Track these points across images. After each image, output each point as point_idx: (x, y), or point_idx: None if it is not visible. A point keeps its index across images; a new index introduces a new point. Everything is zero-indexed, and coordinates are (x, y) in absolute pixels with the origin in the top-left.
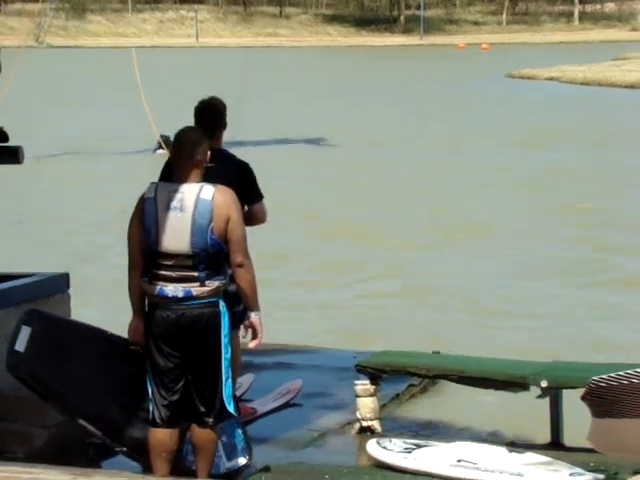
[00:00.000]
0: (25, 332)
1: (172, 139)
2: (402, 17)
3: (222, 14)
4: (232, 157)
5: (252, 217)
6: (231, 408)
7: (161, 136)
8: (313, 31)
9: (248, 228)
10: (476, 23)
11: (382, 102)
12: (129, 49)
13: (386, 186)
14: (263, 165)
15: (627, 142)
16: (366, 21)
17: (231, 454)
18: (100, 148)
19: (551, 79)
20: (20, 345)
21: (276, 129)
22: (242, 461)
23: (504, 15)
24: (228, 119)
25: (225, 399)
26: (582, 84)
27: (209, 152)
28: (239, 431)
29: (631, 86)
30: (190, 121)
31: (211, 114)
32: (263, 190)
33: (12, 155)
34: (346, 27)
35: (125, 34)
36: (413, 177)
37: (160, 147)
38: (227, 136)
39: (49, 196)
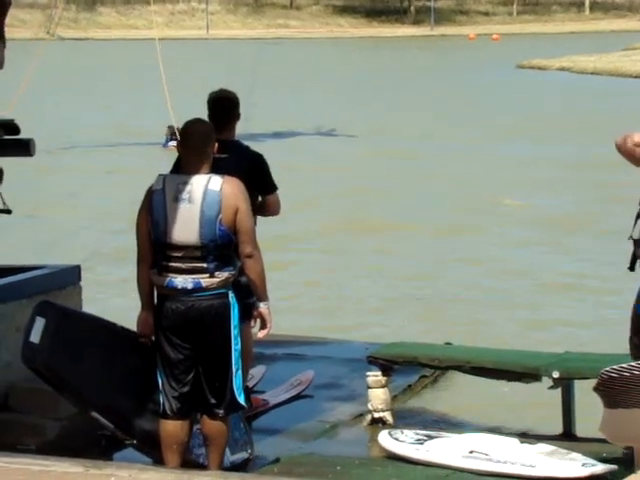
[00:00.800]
0: (39, 323)
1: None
2: (412, 8)
3: (232, 6)
4: (246, 149)
5: (266, 208)
6: (241, 399)
7: (169, 127)
8: (324, 22)
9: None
10: (487, 14)
11: (394, 94)
12: (139, 41)
13: (402, 175)
14: (274, 157)
15: None
16: (377, 12)
17: (234, 448)
18: (114, 140)
19: (562, 69)
20: (35, 336)
21: (286, 121)
22: (245, 455)
23: (515, 5)
24: (240, 111)
25: (235, 390)
26: (593, 74)
27: (222, 144)
28: (241, 425)
29: None
30: (201, 113)
31: (225, 105)
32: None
33: (24, 148)
34: (357, 18)
35: (136, 26)
36: (428, 167)
37: (172, 139)
38: (239, 128)
39: (61, 188)
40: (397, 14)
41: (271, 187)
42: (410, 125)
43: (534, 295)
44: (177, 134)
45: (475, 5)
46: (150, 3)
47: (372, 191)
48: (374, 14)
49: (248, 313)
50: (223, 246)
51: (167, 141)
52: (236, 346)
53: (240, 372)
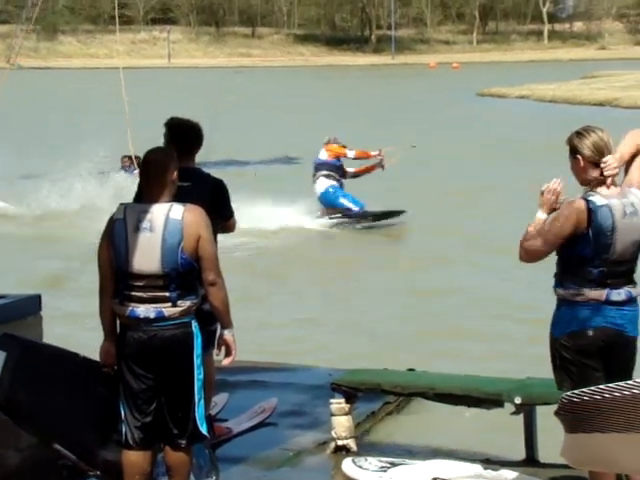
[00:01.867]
0: (0, 357)
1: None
2: (373, 37)
3: (194, 35)
4: (208, 176)
5: (223, 230)
6: (204, 429)
7: (125, 157)
8: (285, 51)
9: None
10: (447, 42)
11: (355, 122)
12: (100, 70)
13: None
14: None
15: None
16: (338, 41)
17: (199, 475)
18: (72, 169)
19: (521, 97)
20: None
21: (249, 149)
22: None
23: (474, 34)
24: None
25: (198, 420)
26: (551, 102)
27: (183, 171)
28: (205, 452)
29: (600, 104)
30: (160, 141)
31: (186, 133)
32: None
33: None
34: (318, 47)
35: (97, 55)
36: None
37: (135, 167)
38: (200, 156)
39: None
40: (358, 43)
41: (230, 212)
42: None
43: (495, 322)
44: (134, 162)
45: (435, 34)
46: (112, 32)
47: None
48: (335, 43)
49: (210, 340)
50: (185, 274)
51: (132, 170)
52: (199, 375)
53: (203, 402)
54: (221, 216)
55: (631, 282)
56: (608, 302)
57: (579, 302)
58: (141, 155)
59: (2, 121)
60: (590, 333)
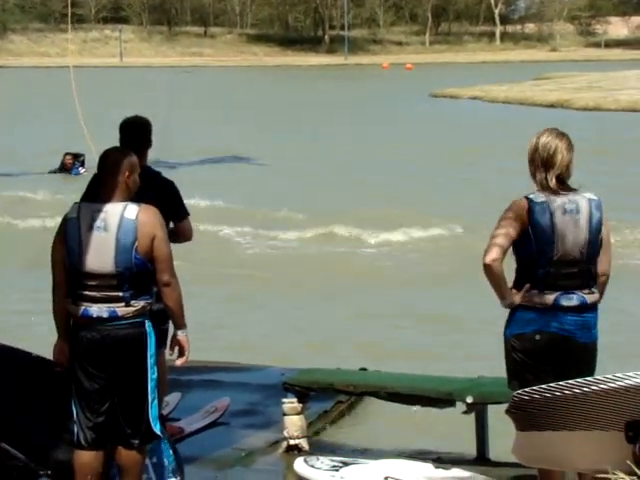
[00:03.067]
0: None
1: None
2: (327, 37)
3: (146, 34)
4: (157, 175)
5: (179, 234)
6: (157, 429)
7: (67, 154)
8: (238, 50)
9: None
10: (400, 43)
11: (307, 123)
12: (51, 69)
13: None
14: (188, 184)
15: None
16: (291, 41)
17: (162, 475)
18: (19, 169)
19: (474, 98)
20: None
21: (200, 148)
22: None
23: (427, 35)
24: (154, 139)
25: (151, 420)
26: (504, 103)
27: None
28: (170, 452)
29: (551, 105)
30: (116, 141)
31: (137, 131)
32: (189, 208)
33: None
34: (271, 47)
35: (48, 54)
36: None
37: (82, 165)
38: (153, 156)
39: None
40: (311, 43)
41: (183, 213)
42: (321, 153)
43: (447, 321)
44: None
45: (388, 35)
46: (63, 31)
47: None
48: (288, 43)
49: (163, 339)
50: (139, 274)
51: (76, 168)
52: (152, 375)
53: (156, 402)
54: (173, 217)
55: (586, 287)
56: (557, 307)
57: (528, 305)
58: (85, 154)
59: None
60: (537, 337)
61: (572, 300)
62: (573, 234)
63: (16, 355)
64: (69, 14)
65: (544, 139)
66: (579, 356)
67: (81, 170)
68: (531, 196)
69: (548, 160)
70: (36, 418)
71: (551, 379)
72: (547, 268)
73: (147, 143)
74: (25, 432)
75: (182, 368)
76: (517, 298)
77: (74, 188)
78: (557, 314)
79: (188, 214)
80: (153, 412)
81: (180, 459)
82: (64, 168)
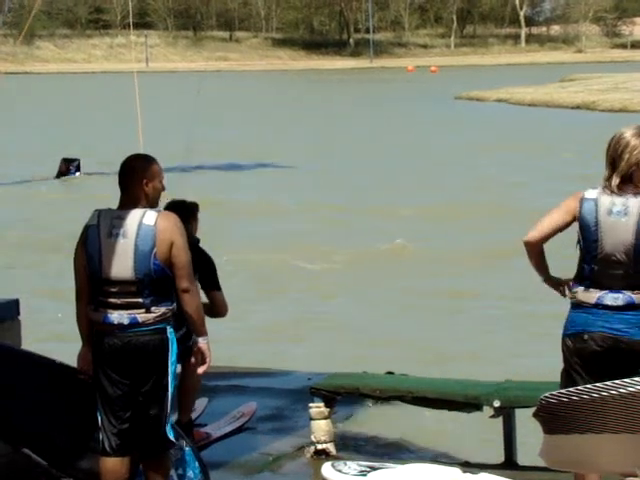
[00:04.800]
0: None
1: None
2: (351, 40)
3: (172, 39)
4: (201, 251)
5: (213, 308)
6: (171, 436)
7: (63, 160)
8: (263, 55)
9: None
10: (425, 46)
11: (335, 126)
12: (77, 74)
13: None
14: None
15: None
16: (316, 44)
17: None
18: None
19: (499, 101)
20: None
21: (228, 152)
22: None
23: (452, 38)
24: (183, 144)
25: (166, 428)
26: (530, 105)
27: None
28: (195, 464)
29: (577, 107)
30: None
31: (183, 210)
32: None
33: None
34: (296, 50)
35: (74, 60)
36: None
37: (77, 170)
38: (181, 160)
39: None
40: (336, 46)
41: (216, 286)
42: (346, 156)
43: (475, 325)
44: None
45: (413, 38)
46: (89, 37)
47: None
48: (313, 47)
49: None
50: (159, 281)
51: (72, 173)
52: (172, 382)
53: (169, 406)
54: (207, 287)
55: (634, 288)
56: (603, 306)
57: (577, 305)
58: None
59: None
60: (585, 337)
61: (618, 300)
62: (617, 236)
63: (40, 362)
64: (130, 19)
65: (622, 135)
66: (628, 355)
67: (77, 174)
68: (586, 191)
69: (615, 158)
70: (61, 426)
71: (600, 380)
72: (592, 265)
73: (190, 219)
74: (48, 439)
75: (209, 373)
76: (566, 292)
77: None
78: (603, 313)
79: (219, 289)
80: (169, 419)
81: (206, 470)
82: (61, 173)
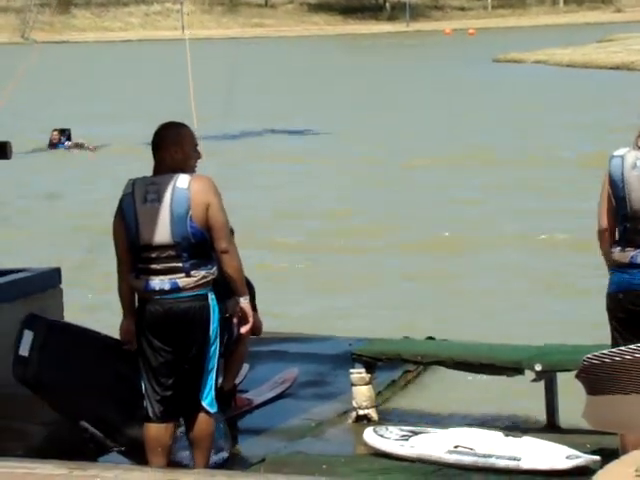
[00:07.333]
0: (28, 337)
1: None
2: (388, 4)
3: (207, 5)
4: None
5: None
6: (212, 409)
7: (55, 130)
8: (299, 20)
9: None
10: (462, 9)
11: (373, 92)
12: (116, 43)
13: (386, 177)
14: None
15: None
16: (352, 9)
17: (216, 449)
18: (95, 141)
19: (538, 62)
20: (24, 350)
21: (267, 120)
22: (225, 454)
23: (489, 0)
24: (220, 111)
25: (205, 392)
26: (569, 66)
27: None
28: (221, 425)
29: (616, 67)
30: (177, 117)
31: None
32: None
33: (0, 151)
34: (332, 15)
35: (111, 28)
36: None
37: (68, 139)
38: (218, 128)
39: (38, 190)
40: (372, 11)
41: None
42: (389, 124)
43: (514, 289)
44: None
45: (450, 0)
46: (125, 5)
47: (351, 190)
48: (349, 11)
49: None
50: (197, 244)
51: (63, 143)
52: (214, 349)
53: (213, 374)
54: None
55: None
56: (636, 265)
57: (614, 265)
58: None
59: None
60: (620, 296)
61: None
62: None
63: (87, 335)
64: None
65: None
66: None
67: (67, 144)
68: (616, 150)
69: None
70: (108, 396)
71: (630, 340)
72: (625, 224)
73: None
74: (99, 410)
75: (249, 339)
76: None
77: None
78: (637, 272)
79: (256, 310)
80: (209, 385)
81: (229, 433)
82: (52, 144)
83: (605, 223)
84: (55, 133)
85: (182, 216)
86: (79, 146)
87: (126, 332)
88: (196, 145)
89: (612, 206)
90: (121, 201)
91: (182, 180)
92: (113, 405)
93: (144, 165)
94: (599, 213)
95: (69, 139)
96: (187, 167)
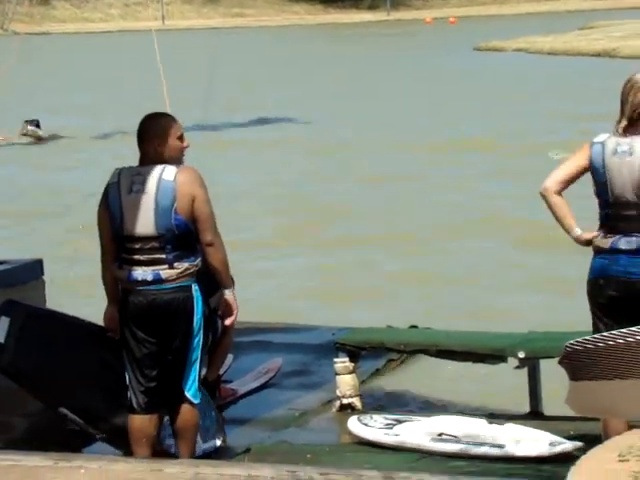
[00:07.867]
0: (4, 323)
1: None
2: None
3: None
4: None
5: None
6: (196, 400)
7: (27, 122)
8: (280, 10)
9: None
10: None
11: (354, 81)
12: (96, 34)
13: (360, 166)
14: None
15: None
16: None
17: (205, 436)
18: (76, 134)
19: (519, 50)
20: (0, 337)
21: (247, 110)
22: (217, 442)
23: None
24: (201, 104)
25: (187, 383)
26: (549, 54)
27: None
28: (212, 413)
29: (598, 54)
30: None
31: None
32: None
33: None
34: (313, 5)
35: (91, 19)
36: (382, 157)
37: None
38: (199, 119)
39: (16, 184)
40: (353, 0)
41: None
42: (367, 111)
43: (497, 277)
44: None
45: None
46: None
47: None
48: (330, 0)
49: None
50: (181, 236)
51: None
52: (197, 340)
53: (197, 365)
54: None
55: None
56: (617, 250)
57: (596, 251)
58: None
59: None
60: (601, 282)
61: (632, 243)
62: (623, 176)
63: (68, 322)
64: None
65: (629, 78)
66: None
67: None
68: (596, 137)
69: (623, 102)
70: (90, 384)
71: (619, 325)
72: (606, 210)
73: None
74: (80, 397)
75: (233, 329)
76: (588, 235)
77: None
78: (617, 257)
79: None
80: (192, 374)
81: (221, 421)
82: (23, 134)
83: (552, 184)
84: (25, 124)
85: (167, 208)
86: (28, 135)
87: (110, 319)
88: (181, 135)
89: (571, 177)
90: (106, 190)
91: (168, 172)
92: (96, 392)
93: (124, 155)
94: (550, 177)
95: (38, 128)
96: (171, 159)
